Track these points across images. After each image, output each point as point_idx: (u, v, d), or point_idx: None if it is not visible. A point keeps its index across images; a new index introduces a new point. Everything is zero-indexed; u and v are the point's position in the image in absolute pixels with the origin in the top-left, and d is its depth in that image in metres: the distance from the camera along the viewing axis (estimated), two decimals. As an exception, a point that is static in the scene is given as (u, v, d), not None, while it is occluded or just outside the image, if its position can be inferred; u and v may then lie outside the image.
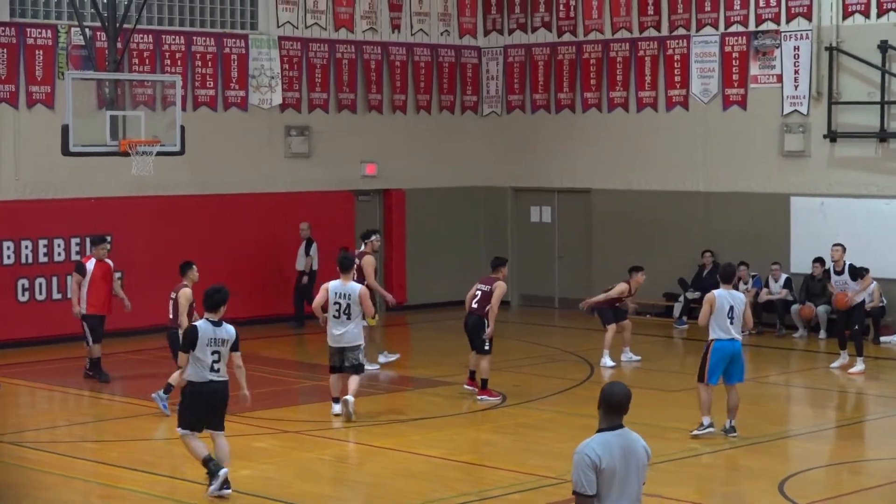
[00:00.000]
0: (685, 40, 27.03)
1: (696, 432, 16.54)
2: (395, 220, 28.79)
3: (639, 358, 22.07)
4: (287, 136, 27.26)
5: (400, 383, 21.00)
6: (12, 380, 19.98)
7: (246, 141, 26.62)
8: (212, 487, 13.68)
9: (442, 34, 29.46)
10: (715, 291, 16.59)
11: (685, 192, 27.18)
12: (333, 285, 17.65)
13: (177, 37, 25.58)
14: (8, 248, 23.47)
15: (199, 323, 13.88)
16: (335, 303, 17.54)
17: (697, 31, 26.90)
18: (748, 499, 14.26)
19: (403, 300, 28.67)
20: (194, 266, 18.36)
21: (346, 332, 17.47)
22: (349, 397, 17.38)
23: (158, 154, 21.27)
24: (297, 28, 27.22)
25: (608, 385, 8.57)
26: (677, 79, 27.21)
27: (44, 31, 23.98)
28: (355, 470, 15.36)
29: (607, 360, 21.68)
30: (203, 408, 13.83)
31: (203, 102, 25.94)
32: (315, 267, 26.15)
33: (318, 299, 17.85)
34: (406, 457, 15.78)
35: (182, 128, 21.68)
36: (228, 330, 13.80)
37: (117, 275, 21.25)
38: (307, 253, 26.23)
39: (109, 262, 20.75)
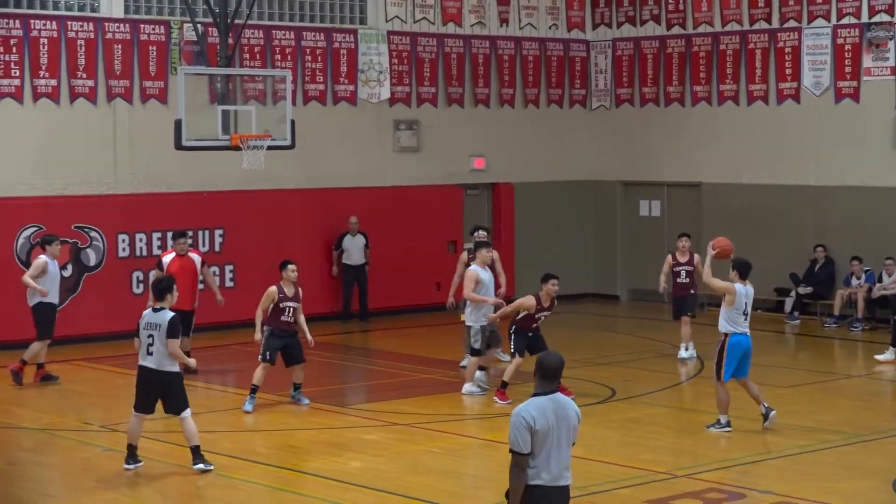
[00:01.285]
0: (796, 32, 26.72)
1: (714, 429, 16.40)
2: (504, 214, 28.77)
3: (685, 356, 21.69)
4: (396, 130, 27.35)
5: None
6: (129, 370, 20.24)
7: (355, 135, 26.75)
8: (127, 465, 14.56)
9: (550, 28, 29.38)
10: (736, 286, 16.39)
11: (796, 185, 26.88)
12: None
13: (287, 32, 25.77)
14: (123, 240, 23.79)
15: (145, 311, 14.79)
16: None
17: (809, 23, 26.57)
18: (861, 496, 14.06)
19: (511, 294, 28.64)
20: (290, 266, 18.06)
21: None
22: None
23: (269, 148, 21.43)
24: (405, 23, 27.29)
25: (543, 354, 9.51)
26: (788, 72, 26.90)
27: (157, 27, 24.28)
28: (464, 463, 15.38)
29: (683, 353, 21.57)
30: (140, 389, 14.70)
31: (313, 97, 26.11)
32: (364, 261, 26.00)
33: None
34: (515, 450, 15.75)
35: (292, 122, 21.84)
36: (163, 316, 14.41)
37: (213, 269, 21.33)
38: (365, 246, 26.03)
39: (194, 256, 20.68)
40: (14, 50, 22.82)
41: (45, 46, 23.13)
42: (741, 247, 26.23)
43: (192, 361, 15.12)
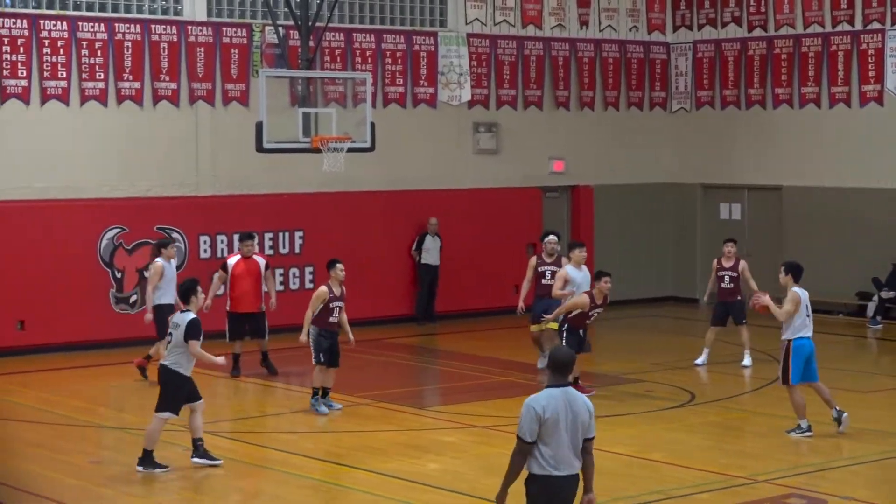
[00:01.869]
0: (880, 35, 26.40)
1: (795, 434, 16.25)
2: (583, 217, 28.67)
3: (748, 364, 21.43)
4: (475, 132, 27.35)
5: (587, 379, 20.88)
6: (210, 371, 20.37)
7: (434, 137, 26.77)
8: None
9: (630, 30, 29.26)
10: (797, 289, 16.23)
11: (879, 188, 26.56)
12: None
13: (367, 34, 25.83)
14: (204, 242, 23.95)
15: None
16: None
17: (893, 24, 26.26)
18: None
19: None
20: (339, 265, 18.02)
21: None
22: None
23: (349, 150, 21.48)
24: (485, 25, 27.28)
25: (555, 349, 9.96)
26: (871, 74, 26.60)
27: (239, 30, 24.43)
28: (542, 465, 15.30)
29: (701, 359, 21.37)
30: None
31: (393, 99, 26.15)
32: (437, 262, 25.98)
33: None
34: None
35: (372, 124, 21.89)
36: (183, 317, 14.73)
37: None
38: (440, 247, 26.01)
39: (259, 259, 20.66)
40: (98, 53, 23.04)
41: (129, 49, 23.34)
42: (823, 251, 26.07)
43: (218, 360, 15.13)
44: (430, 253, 25.91)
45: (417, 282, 26.03)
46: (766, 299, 16.46)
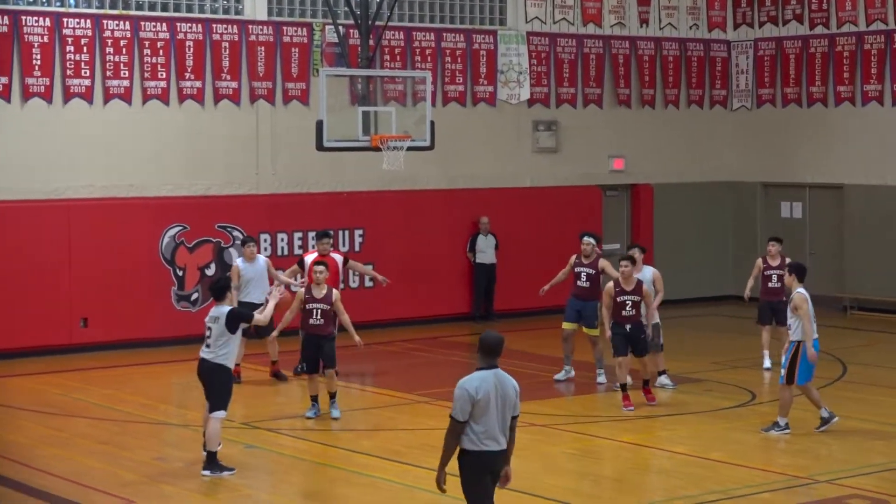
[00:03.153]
0: (944, 31, 26.25)
1: (772, 432, 16.36)
2: (643, 216, 28.64)
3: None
4: (535, 130, 27.38)
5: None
6: (266, 367, 20.52)
7: (494, 136, 26.82)
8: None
9: (691, 28, 29.18)
10: (803, 290, 16.36)
11: (942, 187, 26.39)
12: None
13: (427, 33, 25.92)
14: (265, 240, 24.12)
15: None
16: None
17: (957, 21, 26.09)
18: None
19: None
20: (320, 266, 17.46)
21: None
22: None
23: (408, 149, 21.56)
24: (544, 23, 27.30)
25: (485, 332, 10.52)
26: (935, 71, 26.44)
27: (299, 29, 24.57)
28: (600, 464, 15.36)
29: (766, 362, 21.17)
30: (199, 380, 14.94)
31: (452, 98, 26.23)
32: (494, 261, 25.99)
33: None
34: (652, 452, 15.72)
35: (432, 123, 21.96)
36: (221, 310, 14.69)
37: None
38: (496, 246, 26.01)
39: (336, 256, 20.59)
40: (160, 53, 23.25)
41: (191, 49, 23.54)
42: (884, 250, 25.89)
43: (263, 318, 15.15)
44: (484, 252, 25.97)
45: (474, 280, 26.09)
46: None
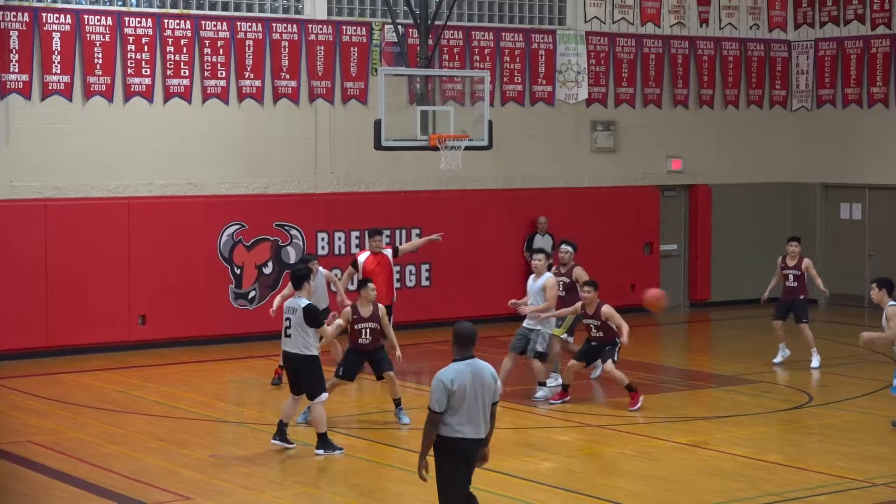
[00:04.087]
0: None
1: None
2: (701, 216, 28.53)
3: (817, 365, 21.18)
4: (593, 130, 27.32)
5: (703, 380, 20.81)
6: (327, 367, 20.57)
7: (552, 136, 26.79)
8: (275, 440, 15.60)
9: (751, 28, 29.04)
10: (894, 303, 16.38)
11: None
12: None
13: (486, 33, 25.92)
14: (322, 238, 24.19)
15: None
16: None
17: None
18: None
19: (707, 297, 28.46)
20: (370, 284, 17.27)
21: None
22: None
23: (466, 148, 21.55)
24: (604, 23, 27.24)
25: (458, 323, 10.76)
26: None
27: (358, 28, 24.63)
28: (657, 465, 15.30)
29: (779, 356, 21.45)
30: (286, 372, 15.79)
31: (511, 97, 26.22)
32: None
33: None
34: (709, 454, 15.65)
35: (490, 122, 21.95)
36: (299, 302, 15.30)
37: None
38: (553, 246, 25.88)
39: (387, 252, 20.55)
40: (221, 51, 23.38)
41: (251, 48, 23.65)
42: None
43: (337, 321, 16.06)
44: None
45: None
46: (866, 336, 16.47)
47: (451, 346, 10.76)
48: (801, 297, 21.68)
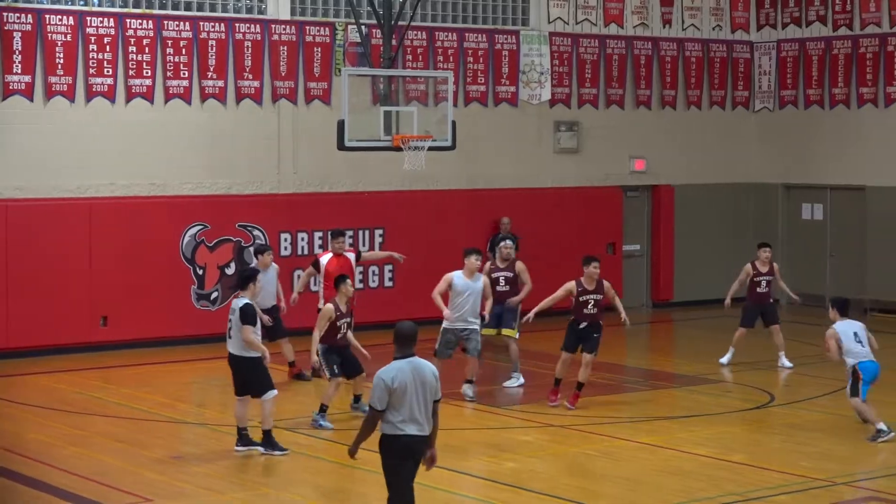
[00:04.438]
0: (967, 33, 26.13)
1: (881, 439, 16.25)
2: (664, 217, 28.58)
3: (791, 365, 21.32)
4: (556, 131, 27.33)
5: (665, 380, 20.85)
6: (283, 367, 20.54)
7: (515, 136, 26.79)
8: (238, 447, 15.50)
9: (714, 29, 29.11)
10: (835, 325, 16.80)
11: (965, 190, 26.27)
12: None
13: (449, 33, 25.90)
14: (285, 239, 24.11)
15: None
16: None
17: (981, 23, 25.97)
18: None
19: (670, 297, 28.51)
20: (347, 282, 17.35)
21: None
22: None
23: (430, 149, 21.52)
24: (567, 24, 27.26)
25: (399, 323, 10.99)
26: (958, 73, 26.32)
27: (322, 28, 24.57)
28: (620, 465, 15.31)
29: (726, 358, 21.53)
30: (231, 373, 15.65)
31: (474, 98, 26.20)
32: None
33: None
34: (672, 454, 15.67)
35: (453, 123, 21.93)
36: (237, 303, 15.41)
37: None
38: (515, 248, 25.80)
39: (350, 255, 20.62)
40: (183, 52, 23.27)
41: (213, 48, 23.55)
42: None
43: (265, 351, 15.64)
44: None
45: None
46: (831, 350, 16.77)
47: (393, 345, 10.92)
48: (771, 301, 21.80)
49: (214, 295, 23.56)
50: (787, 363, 21.32)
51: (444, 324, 18.62)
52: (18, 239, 21.92)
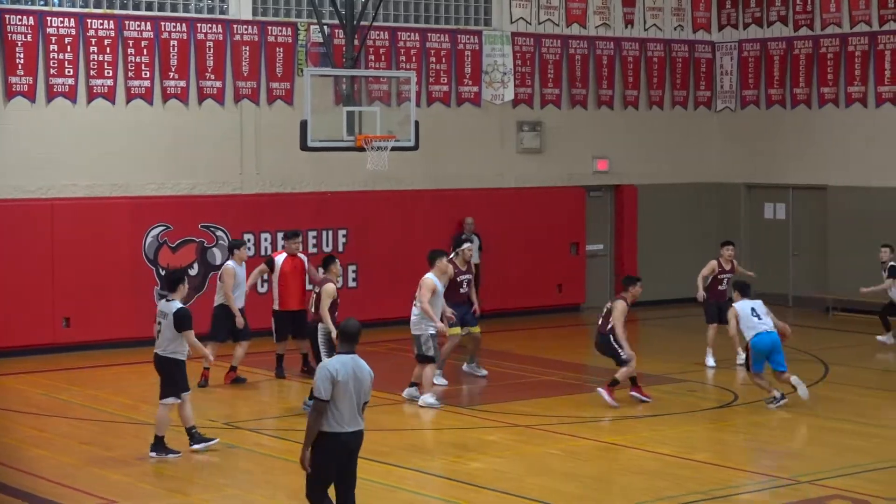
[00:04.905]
0: (927, 34, 26.32)
1: (772, 406, 17.98)
2: (627, 216, 28.69)
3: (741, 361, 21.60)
4: (519, 131, 27.40)
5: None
6: (253, 368, 20.54)
7: (478, 136, 26.84)
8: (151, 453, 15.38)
9: (675, 29, 29.24)
10: (735, 304, 18.50)
11: (926, 189, 26.47)
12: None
13: (412, 34, 25.93)
14: (248, 240, 24.05)
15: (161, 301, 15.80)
16: None
17: (940, 23, 26.16)
18: None
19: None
20: (337, 261, 18.42)
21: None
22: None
23: (393, 149, 21.56)
24: (529, 24, 27.33)
25: (344, 320, 11.29)
26: (919, 73, 26.52)
27: (284, 28, 24.56)
28: (585, 465, 15.38)
29: (710, 360, 21.61)
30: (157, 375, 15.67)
31: (437, 98, 26.24)
32: (478, 261, 25.81)
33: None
34: (636, 453, 15.74)
35: (416, 123, 21.96)
36: (169, 307, 15.43)
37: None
38: (479, 248, 25.86)
39: (303, 257, 20.74)
40: (145, 52, 23.22)
41: (175, 48, 23.51)
42: (867, 251, 25.96)
43: (208, 352, 16.08)
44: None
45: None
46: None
47: (337, 341, 11.22)
48: (729, 298, 21.89)
49: (177, 296, 23.47)
50: (741, 360, 21.43)
51: (432, 330, 18.53)
52: (-21, 240, 21.82)
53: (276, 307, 20.56)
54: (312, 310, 18.14)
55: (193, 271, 23.51)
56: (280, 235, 24.26)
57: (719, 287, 21.92)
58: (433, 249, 19.48)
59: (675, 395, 19.32)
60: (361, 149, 21.30)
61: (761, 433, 16.88)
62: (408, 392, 18.67)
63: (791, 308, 28.29)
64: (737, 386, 19.79)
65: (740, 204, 29.64)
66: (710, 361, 21.54)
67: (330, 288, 17.85)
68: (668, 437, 16.53)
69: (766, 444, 16.22)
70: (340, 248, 24.79)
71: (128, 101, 23.21)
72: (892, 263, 23.50)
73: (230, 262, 20.05)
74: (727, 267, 21.98)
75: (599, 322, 18.76)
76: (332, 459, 11.03)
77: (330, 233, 24.90)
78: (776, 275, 28.88)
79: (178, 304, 15.47)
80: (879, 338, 23.68)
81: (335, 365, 10.97)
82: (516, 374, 20.99)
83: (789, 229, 28.94)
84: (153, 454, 15.37)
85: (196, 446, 15.59)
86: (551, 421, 17.44)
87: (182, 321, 15.34)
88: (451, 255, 20.01)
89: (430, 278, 18.67)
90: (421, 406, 18.27)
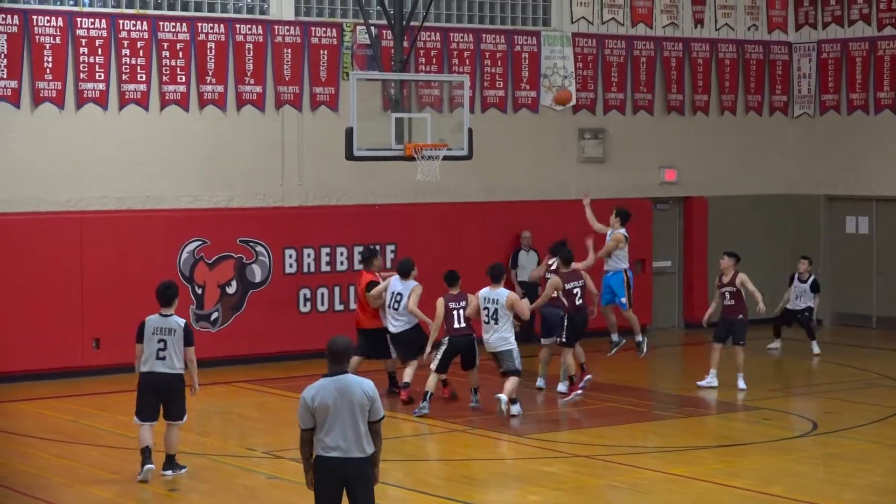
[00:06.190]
0: None
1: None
2: (696, 230, 28.58)
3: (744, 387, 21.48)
4: (580, 139, 27.37)
5: (697, 406, 20.82)
6: (295, 393, 20.56)
7: (536, 144, 26.82)
8: (140, 475, 15.60)
9: (749, 29, 29.13)
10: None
11: None
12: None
13: (465, 34, 25.96)
14: (290, 256, 24.15)
15: (150, 316, 15.94)
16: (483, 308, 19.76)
17: None
18: None
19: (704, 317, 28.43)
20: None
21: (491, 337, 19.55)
22: (502, 396, 19.08)
23: (445, 158, 21.56)
24: (592, 24, 27.31)
25: (332, 338, 11.03)
26: None
27: (328, 30, 24.64)
28: (649, 498, 15.30)
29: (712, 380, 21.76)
30: (146, 396, 15.81)
31: (492, 104, 26.25)
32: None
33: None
34: (705, 486, 15.64)
35: (470, 130, 21.95)
36: (176, 321, 15.80)
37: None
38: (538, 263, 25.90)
39: (376, 275, 21.17)
40: (180, 55, 23.36)
41: (212, 51, 23.64)
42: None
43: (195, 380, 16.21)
44: (526, 269, 25.85)
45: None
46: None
47: (326, 361, 11.08)
48: (740, 316, 21.68)
49: (215, 315, 23.61)
50: (742, 385, 21.35)
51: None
52: (4, 256, 21.99)
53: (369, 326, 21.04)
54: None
55: (231, 289, 23.59)
56: (324, 251, 24.35)
57: (724, 302, 21.91)
58: (494, 263, 20.37)
59: (747, 423, 19.23)
60: (411, 158, 21.32)
61: (841, 465, 16.74)
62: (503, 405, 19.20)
63: (875, 330, 28.09)
64: (815, 414, 19.62)
65: (819, 217, 29.47)
66: (714, 382, 21.63)
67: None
68: (742, 468, 16.43)
69: (846, 477, 16.08)
70: (388, 265, 24.78)
71: (162, 108, 23.34)
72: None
73: (397, 279, 20.77)
74: (725, 280, 21.96)
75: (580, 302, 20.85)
76: (323, 484, 11.04)
77: (377, 248, 24.87)
78: (858, 294, 28.69)
79: (180, 318, 15.87)
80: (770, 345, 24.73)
81: (310, 392, 10.96)
82: (580, 401, 20.91)
83: (873, 245, 28.75)
84: (168, 472, 15.81)
85: (169, 472, 15.87)
86: (610, 451, 17.37)
87: (192, 335, 15.85)
88: (552, 264, 21.40)
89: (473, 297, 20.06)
90: (513, 416, 19.12)
